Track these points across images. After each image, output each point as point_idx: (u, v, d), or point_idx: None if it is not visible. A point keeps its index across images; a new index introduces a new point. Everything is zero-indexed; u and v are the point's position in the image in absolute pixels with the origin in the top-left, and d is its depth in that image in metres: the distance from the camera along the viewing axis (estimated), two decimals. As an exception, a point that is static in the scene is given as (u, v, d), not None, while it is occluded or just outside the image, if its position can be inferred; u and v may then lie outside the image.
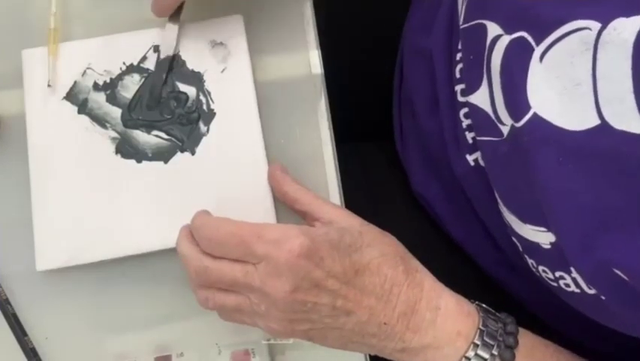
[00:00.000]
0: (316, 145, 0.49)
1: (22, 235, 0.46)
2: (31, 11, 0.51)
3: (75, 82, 0.49)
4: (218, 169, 0.47)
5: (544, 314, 0.52)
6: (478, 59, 0.43)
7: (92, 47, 0.49)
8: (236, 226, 0.40)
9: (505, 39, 0.39)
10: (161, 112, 0.48)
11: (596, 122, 0.34)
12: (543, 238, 0.39)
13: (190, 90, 0.49)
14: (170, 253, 0.45)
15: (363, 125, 0.65)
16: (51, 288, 0.47)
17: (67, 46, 0.49)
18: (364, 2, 0.69)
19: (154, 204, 0.47)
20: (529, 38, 0.37)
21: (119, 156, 0.47)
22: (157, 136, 0.48)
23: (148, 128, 0.48)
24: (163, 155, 0.47)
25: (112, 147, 0.48)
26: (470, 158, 0.47)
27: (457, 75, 0.48)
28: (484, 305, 0.44)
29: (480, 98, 0.43)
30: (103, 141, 0.48)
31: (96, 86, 0.49)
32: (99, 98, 0.48)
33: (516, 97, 0.38)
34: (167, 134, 0.48)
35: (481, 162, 0.46)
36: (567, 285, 0.39)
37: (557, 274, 0.40)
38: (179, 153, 0.48)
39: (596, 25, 0.34)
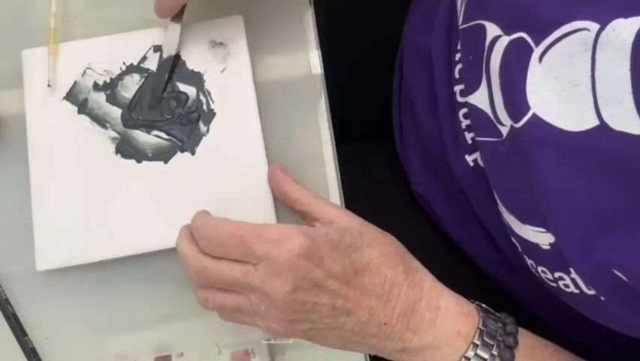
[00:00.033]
0: (316, 145, 0.49)
1: (22, 235, 0.46)
2: (31, 11, 0.51)
3: (75, 82, 0.49)
4: (218, 169, 0.47)
5: (544, 314, 0.52)
6: (478, 59, 0.43)
7: (92, 47, 0.49)
8: (235, 226, 0.40)
9: (505, 40, 0.39)
10: (161, 112, 0.48)
11: (595, 123, 0.34)
12: (542, 238, 0.39)
13: (190, 90, 0.49)
14: (170, 253, 0.45)
15: (363, 125, 0.65)
16: (51, 288, 0.47)
17: (67, 46, 0.49)
18: (364, 2, 0.69)
19: (154, 204, 0.47)
20: (529, 39, 0.37)
21: (119, 156, 0.47)
22: (157, 136, 0.48)
23: (148, 128, 0.48)
24: (163, 155, 0.48)
25: (112, 147, 0.48)
26: (469, 158, 0.47)
27: (457, 75, 0.48)
28: (484, 305, 0.44)
29: (479, 98, 0.43)
30: (103, 141, 0.48)
31: (96, 86, 0.49)
32: (99, 98, 0.48)
33: (515, 98, 0.38)
34: (167, 134, 0.48)
35: (481, 163, 0.46)
36: (566, 285, 0.39)
37: (557, 274, 0.40)
38: (179, 153, 0.48)
39: (594, 26, 0.34)
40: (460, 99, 0.48)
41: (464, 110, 0.47)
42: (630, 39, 0.32)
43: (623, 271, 0.34)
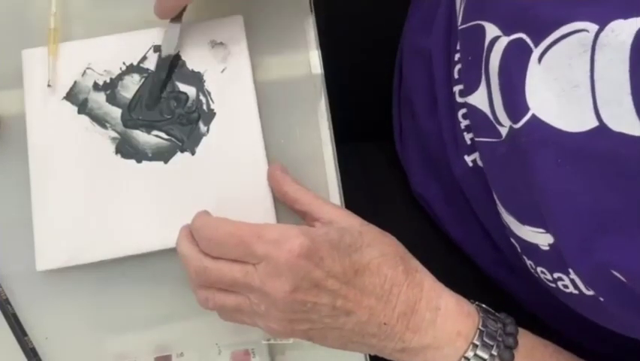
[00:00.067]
0: (316, 145, 0.49)
1: (22, 235, 0.46)
2: (31, 11, 0.51)
3: (75, 82, 0.49)
4: (218, 169, 0.47)
5: (544, 315, 0.52)
6: (477, 59, 0.43)
7: (92, 47, 0.49)
8: (235, 227, 0.40)
9: (504, 40, 0.39)
10: (161, 112, 0.48)
11: (594, 124, 0.34)
12: (541, 239, 0.39)
13: (190, 90, 0.49)
14: (170, 253, 0.45)
15: (363, 125, 0.65)
16: (51, 288, 0.47)
17: (67, 46, 0.49)
18: (364, 2, 0.69)
19: (154, 204, 0.47)
20: (528, 40, 0.37)
21: (119, 156, 0.47)
22: (157, 136, 0.48)
23: (148, 128, 0.48)
24: (163, 155, 0.48)
25: (112, 147, 0.48)
26: (468, 159, 0.47)
27: (456, 76, 0.48)
28: (483, 306, 0.44)
29: (478, 99, 0.43)
30: (103, 141, 0.48)
31: (96, 86, 0.49)
32: (99, 98, 0.48)
33: (514, 98, 0.38)
34: (167, 134, 0.48)
35: (480, 163, 0.46)
36: (565, 286, 0.39)
37: (556, 275, 0.40)
38: (179, 153, 0.48)
39: (593, 27, 0.34)
40: (459, 99, 0.48)
41: (463, 111, 0.47)
42: (629, 40, 0.32)
43: (622, 272, 0.34)
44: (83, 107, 0.48)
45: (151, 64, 0.49)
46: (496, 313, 0.44)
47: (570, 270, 0.37)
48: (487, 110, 0.42)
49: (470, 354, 0.41)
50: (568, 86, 0.35)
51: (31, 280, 0.47)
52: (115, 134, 0.48)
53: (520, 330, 0.43)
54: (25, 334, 0.46)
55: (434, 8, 0.53)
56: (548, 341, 0.45)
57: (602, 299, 0.36)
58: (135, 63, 0.49)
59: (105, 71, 0.49)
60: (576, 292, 0.38)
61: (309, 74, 0.50)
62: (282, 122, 0.49)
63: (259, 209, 0.47)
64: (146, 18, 0.48)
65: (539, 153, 0.37)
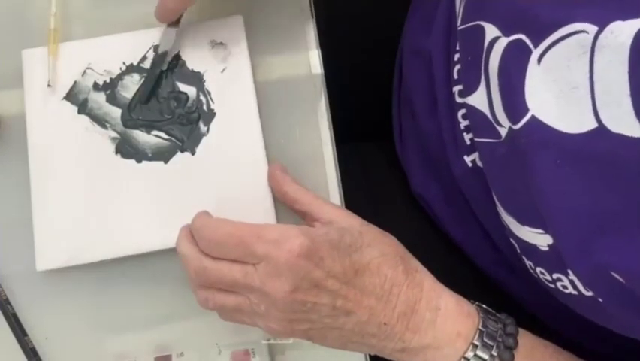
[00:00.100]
0: (316, 145, 0.49)
1: (22, 235, 0.47)
2: (31, 11, 0.51)
3: (75, 82, 0.49)
4: (218, 169, 0.47)
5: (544, 315, 0.52)
6: (476, 60, 0.43)
7: (92, 47, 0.49)
8: (235, 227, 0.40)
9: (503, 41, 0.39)
10: (161, 112, 0.48)
11: (594, 125, 0.34)
12: (541, 240, 0.39)
13: (190, 90, 0.49)
14: (170, 253, 0.45)
15: (363, 125, 0.65)
16: (51, 288, 0.47)
17: (67, 46, 0.49)
18: (364, 2, 0.69)
19: (154, 204, 0.47)
20: (527, 40, 0.37)
21: (119, 156, 0.47)
22: (157, 136, 0.48)
23: (148, 128, 0.48)
24: (163, 155, 0.48)
25: (112, 147, 0.48)
26: (468, 159, 0.47)
27: (455, 76, 0.48)
28: (484, 306, 0.44)
29: (478, 99, 0.43)
30: (103, 141, 0.48)
31: (96, 86, 0.49)
32: (99, 98, 0.48)
33: (514, 99, 0.38)
34: (167, 134, 0.48)
35: (479, 164, 0.46)
36: (565, 287, 0.39)
37: (555, 275, 0.40)
38: (179, 153, 0.48)
39: (592, 29, 0.34)
40: (458, 100, 0.48)
41: (463, 111, 0.47)
42: (628, 41, 0.32)
43: (621, 273, 0.34)
44: (82, 107, 0.48)
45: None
46: (497, 314, 0.44)
47: (569, 271, 0.37)
48: (486, 110, 0.42)
49: (470, 354, 0.41)
50: (567, 87, 0.35)
51: (31, 280, 0.47)
52: (115, 135, 0.48)
53: (520, 330, 0.43)
54: (25, 334, 0.46)
55: (434, 8, 0.53)
56: (548, 341, 0.45)
57: (601, 300, 0.36)
58: (135, 63, 0.49)
59: (105, 71, 0.49)
60: (575, 292, 0.38)
61: (309, 74, 0.50)
62: (282, 122, 0.49)
63: (259, 209, 0.47)
64: (146, 18, 0.48)
65: (538, 153, 0.37)
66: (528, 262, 0.42)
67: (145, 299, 0.47)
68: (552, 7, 0.36)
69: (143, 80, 0.49)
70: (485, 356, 0.41)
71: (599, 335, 0.44)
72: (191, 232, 0.43)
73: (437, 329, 0.42)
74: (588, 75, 0.34)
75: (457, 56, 0.48)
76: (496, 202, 0.43)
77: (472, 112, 0.44)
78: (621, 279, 0.34)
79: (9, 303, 0.47)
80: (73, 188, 0.47)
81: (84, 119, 0.48)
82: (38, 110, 0.48)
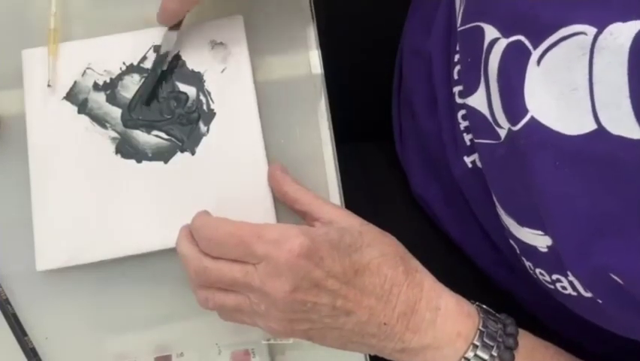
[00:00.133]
0: (316, 145, 0.49)
1: (22, 235, 0.47)
2: (31, 11, 0.51)
3: (75, 82, 0.49)
4: (218, 169, 0.47)
5: (544, 315, 0.52)
6: (476, 61, 0.42)
7: (92, 47, 0.49)
8: (235, 226, 0.40)
9: (503, 42, 0.39)
10: (161, 112, 0.48)
11: (593, 127, 0.34)
12: (540, 241, 0.39)
13: (190, 90, 0.49)
14: (170, 253, 0.45)
15: (363, 126, 0.65)
16: (51, 288, 0.47)
17: (67, 46, 0.49)
18: (364, 2, 0.69)
19: (154, 204, 0.47)
20: (527, 42, 0.37)
21: (119, 156, 0.47)
22: (157, 136, 0.48)
23: (148, 128, 0.48)
24: (163, 155, 0.48)
25: (112, 147, 0.48)
26: (468, 160, 0.47)
27: (455, 77, 0.48)
28: (484, 306, 0.44)
29: (477, 100, 0.43)
30: (103, 141, 0.48)
31: (96, 86, 0.49)
32: (99, 98, 0.48)
33: (513, 100, 0.38)
34: (167, 134, 0.48)
35: (479, 164, 0.46)
36: (564, 288, 0.39)
37: (554, 277, 0.40)
38: (179, 153, 0.48)
39: (592, 30, 0.34)
40: (458, 100, 0.48)
41: (463, 112, 0.47)
42: (627, 43, 0.32)
43: (620, 275, 0.34)
44: (83, 107, 0.48)
45: (151, 64, 0.49)
46: (497, 314, 0.44)
47: (568, 272, 0.37)
48: (486, 111, 0.42)
49: (470, 355, 0.41)
50: (567, 88, 0.35)
51: (31, 280, 0.47)
52: (115, 135, 0.48)
53: (521, 331, 0.43)
54: (25, 334, 0.46)
55: (434, 9, 0.53)
56: (549, 342, 0.45)
57: (600, 301, 0.36)
58: (135, 63, 0.49)
59: (105, 71, 0.49)
60: (574, 294, 0.38)
61: (309, 74, 0.50)
62: (282, 122, 0.49)
63: (259, 209, 0.47)
64: (146, 18, 0.48)
65: (538, 155, 0.36)
66: (528, 263, 0.42)
67: (145, 299, 0.47)
68: (551, 8, 0.36)
69: (143, 80, 0.49)
70: (485, 357, 0.41)
71: (600, 336, 0.44)
72: (191, 232, 0.43)
73: (437, 329, 0.42)
74: (587, 77, 0.34)
75: (457, 57, 0.48)
76: (496, 203, 0.43)
77: (472, 113, 0.44)
78: (620, 281, 0.34)
79: (9, 303, 0.47)
80: (73, 188, 0.47)
81: (84, 119, 0.48)
82: (38, 110, 0.48)
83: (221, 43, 0.49)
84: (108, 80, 0.49)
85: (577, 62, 0.34)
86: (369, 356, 0.48)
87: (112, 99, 0.48)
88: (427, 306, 0.42)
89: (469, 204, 0.50)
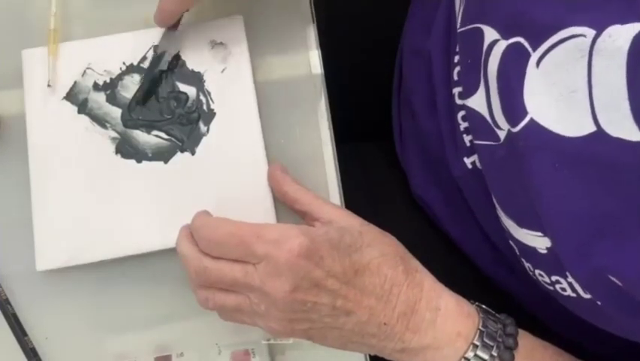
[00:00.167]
0: (316, 145, 0.49)
1: (22, 235, 0.47)
2: (31, 11, 0.51)
3: (75, 82, 0.49)
4: (218, 169, 0.47)
5: (544, 315, 0.52)
6: (475, 63, 0.42)
7: (92, 47, 0.49)
8: (235, 226, 0.40)
9: (502, 44, 0.39)
10: (161, 112, 0.48)
11: (592, 129, 0.34)
12: (539, 242, 0.39)
13: (190, 90, 0.49)
14: (170, 253, 0.45)
15: (363, 126, 0.65)
16: (51, 288, 0.47)
17: (67, 46, 0.49)
18: (364, 2, 0.69)
19: (154, 204, 0.47)
20: (526, 44, 0.37)
21: (119, 156, 0.47)
22: (157, 136, 0.48)
23: (148, 128, 0.48)
24: (163, 155, 0.48)
25: (112, 147, 0.48)
26: (468, 161, 0.47)
27: (455, 78, 0.48)
28: (484, 306, 0.44)
29: (477, 101, 0.43)
30: (103, 141, 0.48)
31: (96, 86, 0.49)
32: (99, 98, 0.48)
33: (513, 102, 0.38)
34: (167, 134, 0.48)
35: (479, 166, 0.46)
36: (563, 289, 0.39)
37: (553, 278, 0.40)
38: (179, 153, 0.48)
39: (590, 32, 0.34)
40: (458, 101, 0.48)
41: (462, 113, 0.47)
42: (626, 45, 0.32)
43: (619, 277, 0.34)
44: (83, 107, 0.48)
45: (151, 64, 0.49)
46: (496, 314, 0.44)
47: (567, 274, 0.37)
48: (485, 113, 0.42)
49: (470, 355, 0.41)
50: (566, 90, 0.35)
51: (31, 280, 0.47)
52: (115, 135, 0.48)
53: (521, 331, 0.43)
54: (25, 334, 0.46)
55: (434, 9, 0.53)
56: (548, 342, 0.45)
57: (599, 303, 0.36)
58: (135, 63, 0.49)
59: (105, 71, 0.49)
60: (574, 295, 0.38)
61: (309, 74, 0.50)
62: (282, 122, 0.49)
63: (259, 209, 0.47)
64: (146, 18, 0.48)
65: (537, 156, 0.36)
66: (527, 264, 0.42)
67: (145, 299, 0.47)
68: (550, 10, 0.36)
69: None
70: (485, 356, 0.41)
71: (599, 337, 0.44)
72: (191, 232, 0.43)
73: (437, 329, 0.42)
74: (586, 79, 0.34)
75: (456, 58, 0.48)
76: (496, 204, 0.43)
77: (472, 114, 0.44)
78: (619, 282, 0.34)
79: (9, 303, 0.47)
80: (73, 188, 0.47)
81: (84, 119, 0.48)
82: (38, 110, 0.48)
83: (221, 44, 0.49)
84: (108, 80, 0.49)
85: (576, 64, 0.34)
86: (369, 356, 0.48)
87: (112, 99, 0.48)
88: (427, 306, 0.42)
89: (468, 205, 0.50)
